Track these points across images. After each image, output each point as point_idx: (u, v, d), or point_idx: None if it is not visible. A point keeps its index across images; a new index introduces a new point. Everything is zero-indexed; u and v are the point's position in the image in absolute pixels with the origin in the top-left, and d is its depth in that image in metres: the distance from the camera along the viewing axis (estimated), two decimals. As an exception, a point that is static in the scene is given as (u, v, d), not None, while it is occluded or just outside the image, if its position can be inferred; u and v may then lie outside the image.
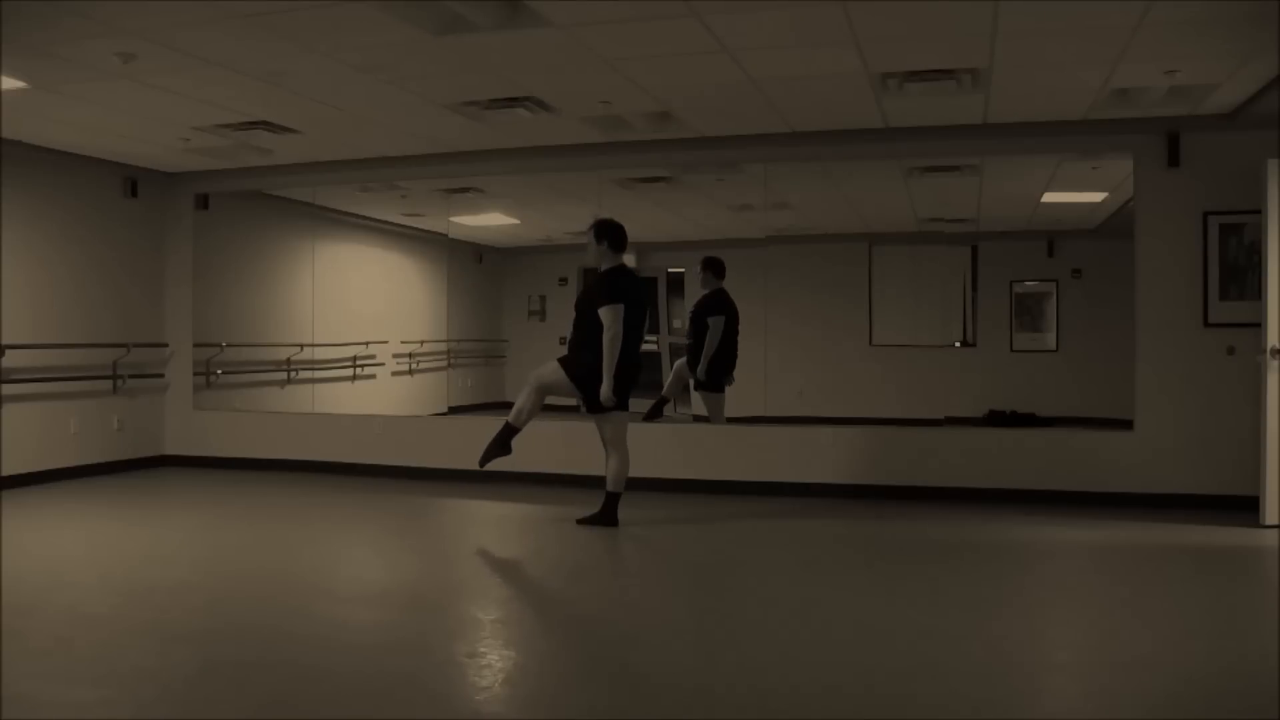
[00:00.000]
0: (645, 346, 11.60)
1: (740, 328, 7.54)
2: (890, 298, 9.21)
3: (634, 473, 7.21)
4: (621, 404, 5.71)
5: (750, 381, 7.70)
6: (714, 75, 5.46)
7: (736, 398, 7.61)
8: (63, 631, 3.77)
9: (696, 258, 10.06)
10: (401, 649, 3.63)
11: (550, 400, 10.44)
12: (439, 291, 9.39)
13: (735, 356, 7.40)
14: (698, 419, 7.63)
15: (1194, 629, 3.94)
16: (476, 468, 7.63)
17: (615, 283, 5.63)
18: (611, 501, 5.76)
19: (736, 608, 4.31)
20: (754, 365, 7.70)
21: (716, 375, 7.34)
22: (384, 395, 9.60)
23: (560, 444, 7.58)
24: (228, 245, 8.68)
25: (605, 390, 5.53)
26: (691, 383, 7.60)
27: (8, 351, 6.96)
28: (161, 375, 8.42)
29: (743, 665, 3.47)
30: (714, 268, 7.47)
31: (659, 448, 7.28)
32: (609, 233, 5.73)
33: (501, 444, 5.86)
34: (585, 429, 8.19)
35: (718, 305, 7.38)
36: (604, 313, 5.54)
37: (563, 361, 5.76)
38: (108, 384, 7.87)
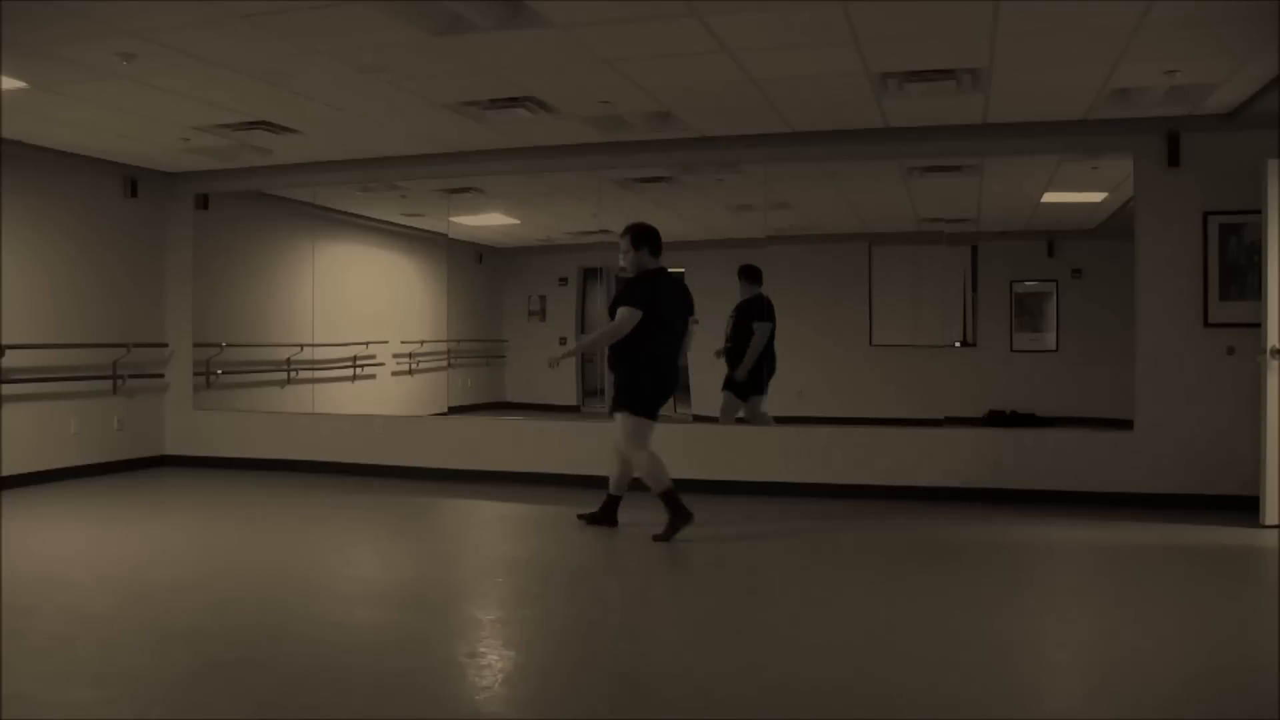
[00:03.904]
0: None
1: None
2: (890, 298, 9.21)
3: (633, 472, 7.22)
4: (648, 410, 5.43)
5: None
6: (714, 75, 5.46)
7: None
8: (63, 632, 3.77)
9: (696, 258, 10.00)
10: (401, 649, 3.63)
11: (549, 400, 10.47)
12: (439, 291, 9.39)
13: (775, 359, 7.60)
14: (740, 421, 7.59)
15: (1194, 629, 3.94)
16: (478, 468, 7.69)
17: (646, 287, 5.36)
18: (611, 504, 5.73)
19: (737, 607, 4.31)
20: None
21: (759, 378, 7.43)
22: (384, 395, 9.60)
23: (559, 444, 7.58)
24: (228, 245, 8.68)
25: (554, 353, 5.65)
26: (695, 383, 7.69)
27: (8, 351, 6.96)
28: (161, 375, 8.42)
29: (743, 665, 3.47)
30: (750, 275, 7.56)
31: (659, 449, 7.28)
32: (647, 238, 5.47)
33: (676, 513, 5.38)
34: (583, 429, 8.19)
35: (761, 310, 7.47)
36: (620, 312, 5.32)
37: (614, 401, 5.52)
38: (108, 384, 7.87)
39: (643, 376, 5.40)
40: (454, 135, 6.96)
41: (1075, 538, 5.66)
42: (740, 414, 7.52)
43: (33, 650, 3.52)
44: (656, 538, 5.40)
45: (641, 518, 6.00)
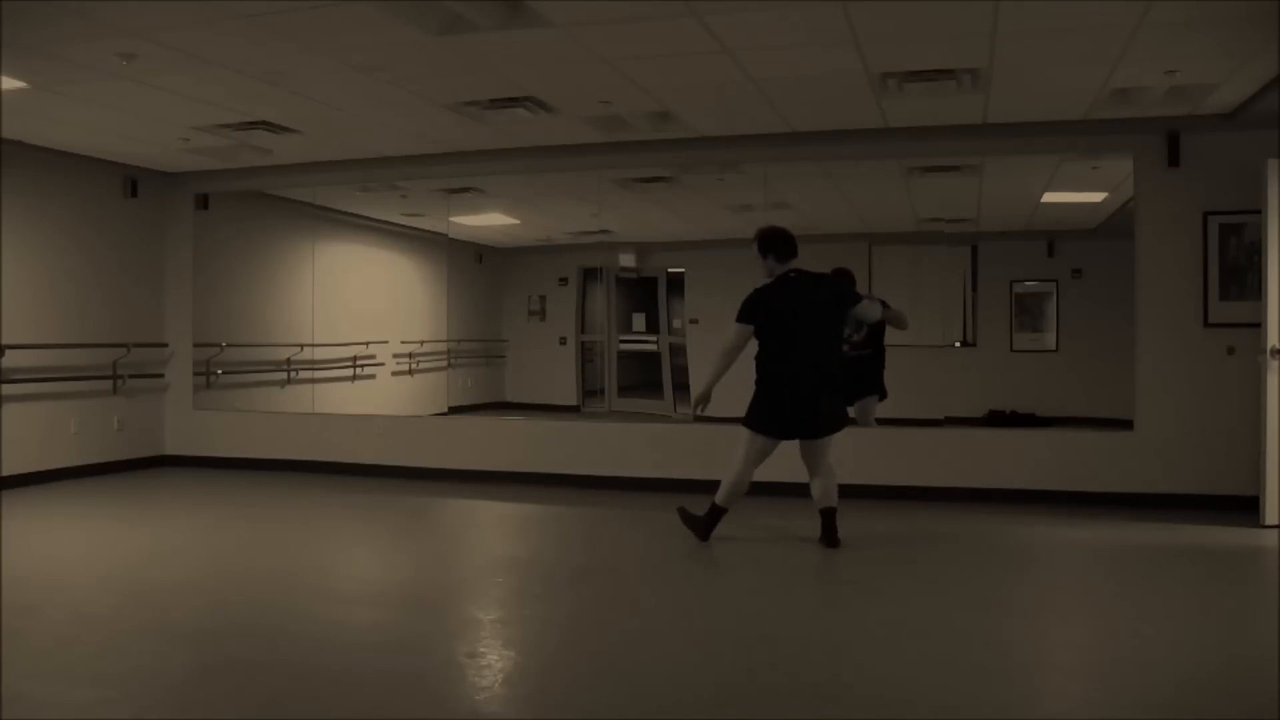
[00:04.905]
0: (644, 346, 11.46)
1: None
2: (890, 297, 9.19)
3: (630, 473, 7.24)
4: (764, 428, 5.24)
5: (750, 381, 7.70)
6: (714, 75, 5.46)
7: (738, 398, 7.59)
8: (63, 631, 3.77)
9: (697, 258, 10.03)
10: (402, 649, 3.63)
11: (549, 400, 10.45)
12: (439, 291, 9.39)
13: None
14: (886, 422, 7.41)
15: (1194, 629, 3.94)
16: (478, 468, 7.70)
17: (755, 299, 5.19)
18: (826, 519, 5.29)
19: (736, 607, 4.31)
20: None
21: (876, 377, 7.34)
22: (384, 395, 9.60)
23: (559, 444, 7.58)
24: (228, 245, 8.68)
25: (695, 392, 5.24)
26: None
27: (8, 351, 6.96)
28: (161, 375, 8.42)
29: (743, 665, 3.48)
30: (847, 279, 7.44)
31: (660, 449, 7.30)
32: (773, 245, 5.22)
33: (707, 525, 5.40)
34: (583, 430, 8.18)
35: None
36: (732, 328, 5.19)
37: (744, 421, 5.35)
38: (108, 384, 7.87)
39: (760, 399, 5.25)
40: (454, 135, 6.96)
41: (1075, 538, 5.66)
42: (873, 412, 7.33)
43: (33, 650, 3.52)
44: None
45: (644, 516, 6.00)
